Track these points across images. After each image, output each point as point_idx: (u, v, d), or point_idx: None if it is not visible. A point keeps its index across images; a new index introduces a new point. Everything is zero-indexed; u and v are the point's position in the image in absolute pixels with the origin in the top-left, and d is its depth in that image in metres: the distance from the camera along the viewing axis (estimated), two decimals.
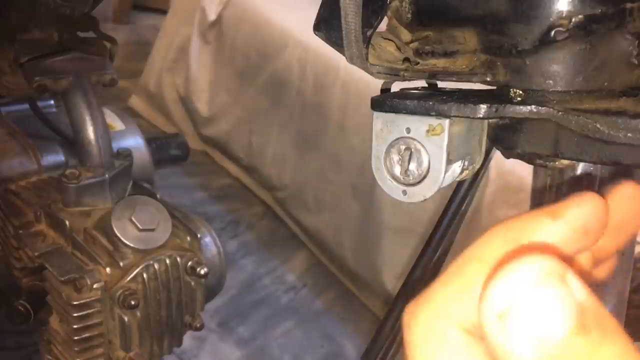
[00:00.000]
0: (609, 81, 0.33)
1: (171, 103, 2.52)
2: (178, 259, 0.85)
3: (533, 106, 0.32)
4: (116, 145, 0.97)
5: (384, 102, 0.36)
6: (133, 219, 0.83)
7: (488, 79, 0.37)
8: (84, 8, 0.90)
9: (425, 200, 0.36)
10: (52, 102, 1.14)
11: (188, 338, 0.94)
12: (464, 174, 0.38)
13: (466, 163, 0.37)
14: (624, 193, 0.29)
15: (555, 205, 0.26)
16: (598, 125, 0.29)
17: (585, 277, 0.29)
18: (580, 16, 0.32)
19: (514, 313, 0.21)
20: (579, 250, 0.26)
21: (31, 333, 1.04)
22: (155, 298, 0.83)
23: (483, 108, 0.33)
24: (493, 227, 0.26)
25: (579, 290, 0.21)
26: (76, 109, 0.90)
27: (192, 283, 0.87)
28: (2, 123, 1.08)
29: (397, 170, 0.36)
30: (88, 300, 0.80)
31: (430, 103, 0.34)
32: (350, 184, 1.83)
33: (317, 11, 0.38)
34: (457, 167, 0.36)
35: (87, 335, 0.81)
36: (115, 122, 1.15)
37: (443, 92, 0.39)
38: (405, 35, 0.39)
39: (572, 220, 0.25)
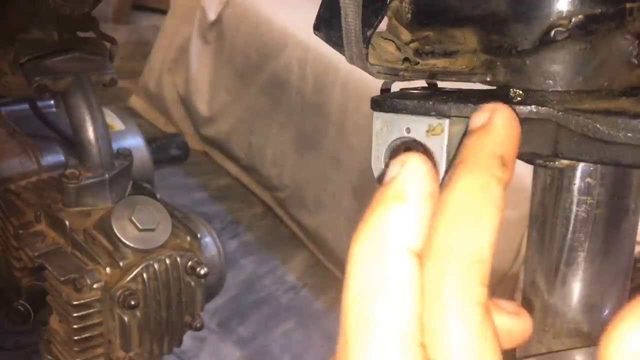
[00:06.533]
0: (609, 81, 0.33)
1: (171, 103, 2.52)
2: (178, 259, 0.85)
3: (533, 106, 0.32)
4: (116, 145, 0.97)
5: (384, 102, 0.36)
6: (133, 219, 0.83)
7: (488, 79, 0.37)
8: (84, 8, 0.90)
9: None
10: (52, 102, 1.14)
11: (188, 338, 0.94)
12: None
13: None
14: None
15: (388, 183, 0.25)
16: (598, 125, 0.29)
17: None
18: (580, 16, 0.32)
19: None
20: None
21: (31, 333, 1.04)
22: (155, 298, 0.83)
23: None
24: (354, 234, 0.25)
25: None
26: (76, 109, 0.90)
27: (192, 283, 0.87)
28: (2, 123, 1.08)
29: None
30: (88, 300, 0.80)
31: (430, 103, 0.34)
32: (350, 184, 1.83)
33: (317, 11, 0.38)
34: None
35: (87, 335, 0.81)
36: (115, 122, 1.15)
37: (443, 92, 0.39)
38: (405, 35, 0.39)
39: (417, 193, 0.25)
